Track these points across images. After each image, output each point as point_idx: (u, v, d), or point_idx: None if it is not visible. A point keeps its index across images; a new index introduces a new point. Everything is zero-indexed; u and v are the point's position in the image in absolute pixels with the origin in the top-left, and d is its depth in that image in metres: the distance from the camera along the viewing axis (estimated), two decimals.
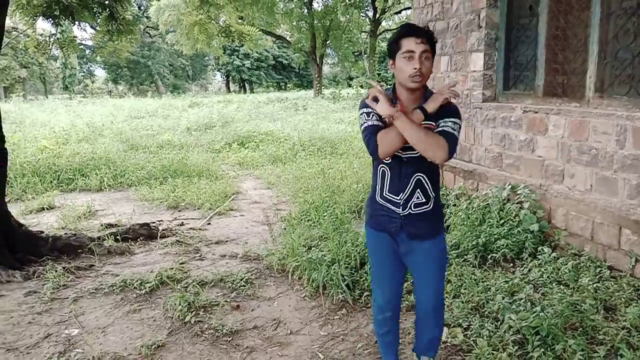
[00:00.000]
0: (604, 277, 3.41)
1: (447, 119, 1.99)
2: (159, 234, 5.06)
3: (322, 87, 33.77)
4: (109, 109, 20.15)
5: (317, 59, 31.66)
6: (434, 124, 2.01)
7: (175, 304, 3.40)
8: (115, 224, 5.48)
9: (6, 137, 4.63)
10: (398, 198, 2.09)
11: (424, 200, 2.10)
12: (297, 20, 30.00)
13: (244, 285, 3.78)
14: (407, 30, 1.98)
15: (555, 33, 4.32)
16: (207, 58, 53.34)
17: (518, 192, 4.30)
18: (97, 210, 6.23)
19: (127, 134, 11.54)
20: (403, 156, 2.06)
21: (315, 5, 31.44)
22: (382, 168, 2.13)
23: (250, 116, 16.35)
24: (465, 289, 3.37)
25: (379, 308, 2.35)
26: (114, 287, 3.80)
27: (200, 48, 21.58)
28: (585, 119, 3.80)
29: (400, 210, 2.10)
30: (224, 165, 9.18)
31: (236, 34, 11.41)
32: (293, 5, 29.43)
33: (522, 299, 3.10)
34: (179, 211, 6.22)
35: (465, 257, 3.90)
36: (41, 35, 7.82)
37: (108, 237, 4.81)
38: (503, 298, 3.10)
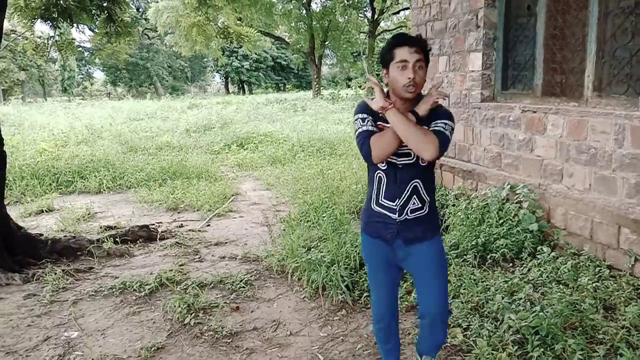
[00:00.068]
0: (603, 277, 3.41)
1: (438, 121, 2.00)
2: (158, 236, 5.06)
3: (321, 88, 33.80)
4: (107, 111, 20.17)
5: (316, 60, 31.67)
6: (426, 127, 2.01)
7: (175, 306, 3.40)
8: (115, 226, 5.48)
9: (5, 140, 4.63)
10: (394, 204, 2.09)
11: (419, 205, 2.10)
12: (296, 21, 30.02)
13: (244, 287, 3.78)
14: (401, 39, 1.98)
15: (554, 32, 4.32)
16: (205, 59, 53.37)
17: (517, 192, 4.30)
18: (96, 213, 6.23)
19: (126, 136, 11.54)
20: (398, 163, 2.06)
21: (313, 6, 31.47)
22: (378, 175, 2.12)
23: (249, 117, 16.35)
24: (464, 289, 3.37)
25: (376, 316, 2.36)
26: (114, 290, 3.80)
27: (198, 49, 21.60)
28: (583, 119, 3.80)
29: (396, 216, 2.09)
30: (223, 166, 9.19)
31: (235, 35, 11.41)
32: (291, 6, 29.47)
33: (521, 298, 3.10)
34: (178, 213, 6.22)
35: (464, 257, 3.90)
36: (39, 37, 7.84)
37: (107, 240, 4.80)
38: (502, 298, 3.10)
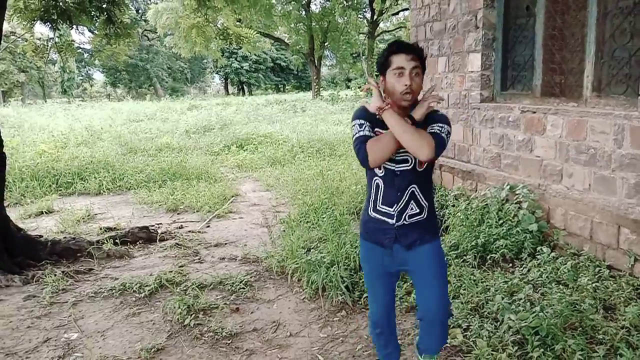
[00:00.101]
0: (603, 277, 3.41)
1: (434, 124, 2.01)
2: (158, 237, 5.06)
3: (321, 89, 33.83)
4: (107, 113, 20.18)
5: (315, 61, 31.70)
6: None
7: (175, 307, 3.40)
8: (114, 228, 5.48)
9: (5, 142, 4.64)
10: (392, 210, 2.10)
11: (417, 210, 2.10)
12: (295, 22, 30.06)
13: (243, 288, 3.77)
14: (397, 47, 2.00)
15: (553, 33, 4.32)
16: (205, 61, 53.42)
17: (517, 192, 4.30)
18: (96, 214, 6.23)
19: (126, 138, 11.55)
20: (396, 169, 2.06)
21: (313, 7, 31.53)
22: (375, 181, 2.13)
23: (249, 118, 16.35)
24: (464, 289, 3.37)
25: (373, 324, 2.36)
26: (113, 291, 3.80)
27: (198, 51, 21.65)
28: (583, 119, 3.80)
29: (394, 221, 2.10)
30: (222, 167, 9.19)
31: (234, 36, 11.44)
32: (291, 8, 29.51)
33: (521, 299, 3.10)
34: (178, 214, 6.22)
35: (464, 257, 3.90)
36: (39, 39, 7.85)
37: (107, 241, 4.80)
38: (502, 298, 3.10)
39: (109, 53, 8.38)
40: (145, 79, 49.80)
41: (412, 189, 2.08)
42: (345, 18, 30.11)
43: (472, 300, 3.22)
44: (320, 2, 32.90)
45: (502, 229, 4.08)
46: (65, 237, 4.83)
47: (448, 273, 3.56)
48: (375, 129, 2.04)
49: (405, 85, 1.96)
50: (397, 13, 33.70)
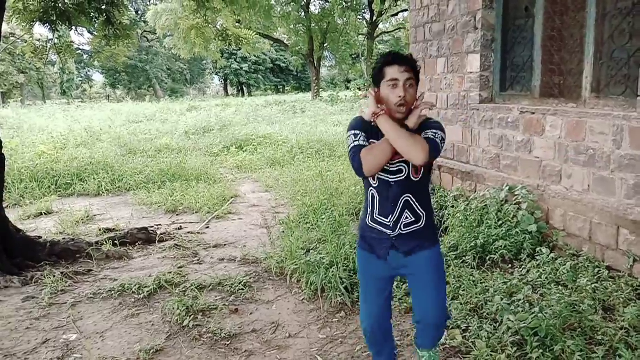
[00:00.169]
0: (602, 278, 3.41)
1: (428, 131, 2.01)
2: (157, 238, 5.05)
3: (320, 90, 33.84)
4: (107, 114, 20.19)
5: (315, 62, 31.73)
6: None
7: (174, 308, 3.40)
8: (114, 229, 5.47)
9: (4, 143, 4.64)
10: (388, 220, 2.10)
11: (413, 219, 2.10)
12: (295, 24, 30.09)
13: (243, 289, 3.77)
14: (391, 58, 2.00)
15: (552, 34, 4.33)
16: (205, 62, 53.44)
17: (516, 193, 4.30)
18: (95, 215, 6.23)
19: (125, 139, 11.54)
20: (390, 180, 2.07)
21: (312, 8, 31.57)
22: (371, 192, 2.14)
23: (249, 119, 16.35)
24: (463, 290, 3.37)
25: (365, 331, 2.36)
26: (112, 292, 3.79)
27: (198, 52, 21.66)
28: (582, 120, 3.81)
29: (390, 232, 2.11)
30: (222, 168, 9.19)
31: (233, 37, 11.45)
32: (290, 9, 29.53)
33: (520, 300, 3.10)
34: (177, 215, 6.22)
35: (463, 258, 3.90)
36: (38, 40, 7.84)
37: (106, 242, 4.80)
38: (502, 299, 3.10)
39: (108, 54, 8.38)
40: (145, 80, 49.82)
41: (406, 198, 2.08)
42: (345, 19, 30.13)
43: (471, 301, 3.22)
44: (319, 3, 32.88)
45: (502, 230, 4.08)
46: (64, 238, 4.83)
47: (447, 274, 3.56)
48: (371, 140, 2.04)
49: (399, 96, 1.96)
50: (397, 14, 33.72)
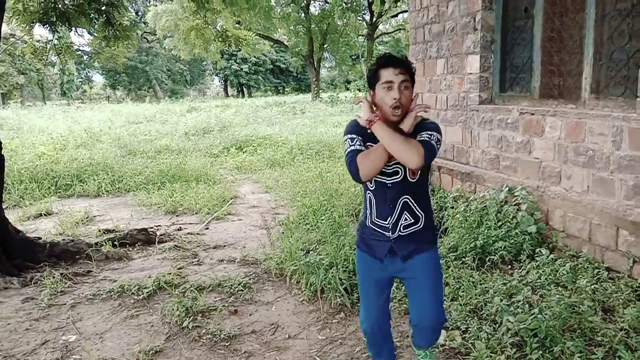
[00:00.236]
0: (602, 279, 3.41)
1: (423, 132, 2.01)
2: (156, 239, 5.05)
3: (320, 91, 33.85)
4: (107, 115, 20.17)
5: (315, 63, 31.75)
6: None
7: (173, 309, 3.39)
8: (113, 230, 5.47)
9: (4, 144, 4.64)
10: (386, 223, 2.10)
11: (412, 221, 2.10)
12: (295, 25, 30.10)
13: (242, 290, 3.77)
14: (385, 61, 2.01)
15: (551, 35, 4.33)
16: (205, 63, 53.45)
17: (515, 194, 4.30)
18: (94, 216, 6.22)
19: (125, 140, 11.54)
20: (387, 182, 2.07)
21: (312, 9, 31.58)
22: (368, 195, 2.15)
23: (248, 120, 16.35)
24: (463, 291, 3.36)
25: (364, 332, 2.36)
26: (112, 293, 3.79)
27: (197, 53, 21.70)
28: (581, 120, 3.81)
29: (390, 234, 2.11)
30: (222, 169, 9.18)
31: (233, 38, 11.46)
32: (290, 10, 29.54)
33: (520, 301, 3.10)
34: (177, 216, 6.22)
35: (463, 259, 3.90)
36: (38, 41, 7.84)
37: (106, 243, 4.80)
38: (501, 300, 3.10)
39: (108, 55, 8.39)
40: (145, 81, 49.82)
41: (405, 199, 2.08)
42: (345, 20, 30.16)
43: (470, 302, 3.22)
44: (319, 4, 32.88)
45: (501, 231, 4.08)
46: (63, 239, 4.82)
47: (447, 275, 3.57)
48: (367, 143, 2.04)
49: (395, 98, 1.96)
50: (396, 15, 33.71)
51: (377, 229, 2.14)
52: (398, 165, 2.03)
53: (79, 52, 36.67)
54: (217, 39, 11.85)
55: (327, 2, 30.80)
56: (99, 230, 5.43)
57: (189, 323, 3.24)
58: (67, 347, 3.07)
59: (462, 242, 4.07)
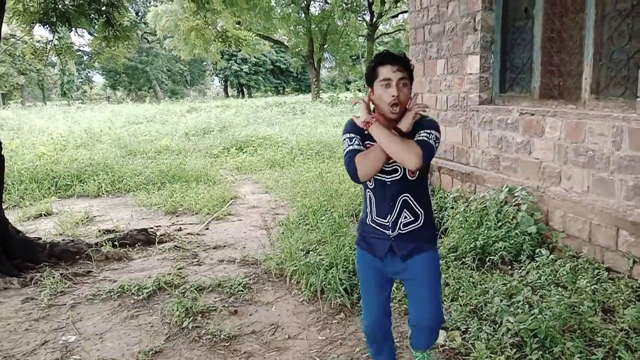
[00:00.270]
0: (602, 279, 3.41)
1: (421, 131, 2.00)
2: (156, 240, 5.05)
3: (320, 91, 33.84)
4: (107, 115, 20.18)
5: (315, 63, 31.75)
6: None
7: (173, 310, 3.39)
8: (113, 230, 5.47)
9: (4, 144, 4.64)
10: (386, 221, 2.10)
11: (412, 219, 2.10)
12: (295, 25, 30.11)
13: (242, 290, 3.77)
14: (383, 58, 2.00)
15: (551, 35, 4.33)
16: (205, 63, 53.47)
17: (515, 195, 4.30)
18: (94, 216, 6.22)
19: (125, 140, 11.54)
20: (387, 180, 2.07)
21: (312, 9, 31.58)
22: (368, 193, 2.15)
23: (249, 121, 16.36)
24: (463, 291, 3.36)
25: (366, 328, 2.36)
26: (112, 293, 3.79)
27: (198, 53, 21.69)
28: (581, 121, 3.81)
29: (390, 232, 2.11)
30: (222, 170, 9.18)
31: (233, 38, 11.45)
32: (290, 10, 29.55)
33: (520, 301, 3.10)
34: (177, 216, 6.22)
35: (463, 259, 3.90)
36: (38, 41, 7.84)
37: (106, 243, 4.80)
38: (501, 301, 3.09)
39: (108, 55, 8.38)
40: (145, 81, 49.83)
41: (404, 197, 2.08)
42: (345, 20, 30.17)
43: (470, 303, 3.22)
44: (319, 4, 32.90)
45: (501, 231, 4.08)
46: (63, 240, 4.83)
47: (447, 275, 3.57)
48: (366, 142, 2.04)
49: (393, 96, 1.96)
50: (397, 15, 33.73)
51: (377, 227, 2.14)
52: (397, 164, 2.03)
53: (79, 53, 36.70)
54: (217, 39, 11.84)
55: (327, 3, 30.82)
56: (99, 231, 5.43)
57: (188, 323, 3.24)
58: (67, 348, 3.07)
59: (462, 243, 4.07)
